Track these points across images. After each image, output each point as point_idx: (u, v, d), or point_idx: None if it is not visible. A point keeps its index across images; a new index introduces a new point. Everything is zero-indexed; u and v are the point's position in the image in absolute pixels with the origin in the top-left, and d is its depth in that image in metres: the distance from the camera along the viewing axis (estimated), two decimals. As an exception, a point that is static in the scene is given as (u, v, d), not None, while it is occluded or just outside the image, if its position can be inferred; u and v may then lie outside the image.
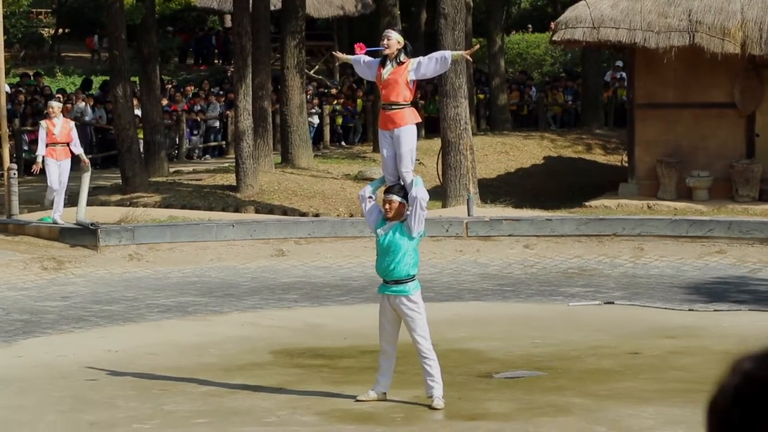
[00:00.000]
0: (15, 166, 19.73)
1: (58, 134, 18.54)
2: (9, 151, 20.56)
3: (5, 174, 19.49)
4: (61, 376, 11.51)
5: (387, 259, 10.12)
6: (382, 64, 10.55)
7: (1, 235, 18.38)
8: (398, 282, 10.11)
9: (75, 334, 13.44)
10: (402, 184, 10.31)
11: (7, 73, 25.97)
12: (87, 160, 18.77)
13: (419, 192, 10.07)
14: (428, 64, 10.49)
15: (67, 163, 18.61)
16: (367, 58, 10.71)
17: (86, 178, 18.48)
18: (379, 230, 10.20)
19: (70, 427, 9.85)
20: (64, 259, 17.14)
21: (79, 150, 18.65)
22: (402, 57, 10.47)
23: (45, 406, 10.45)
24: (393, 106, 10.43)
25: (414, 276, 10.16)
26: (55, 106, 18.90)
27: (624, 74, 36.39)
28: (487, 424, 9.67)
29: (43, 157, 18.58)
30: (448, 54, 10.58)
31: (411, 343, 10.19)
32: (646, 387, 10.73)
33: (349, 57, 10.92)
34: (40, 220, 18.95)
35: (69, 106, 30.47)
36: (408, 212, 10.14)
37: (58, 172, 18.53)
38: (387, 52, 10.49)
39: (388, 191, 10.25)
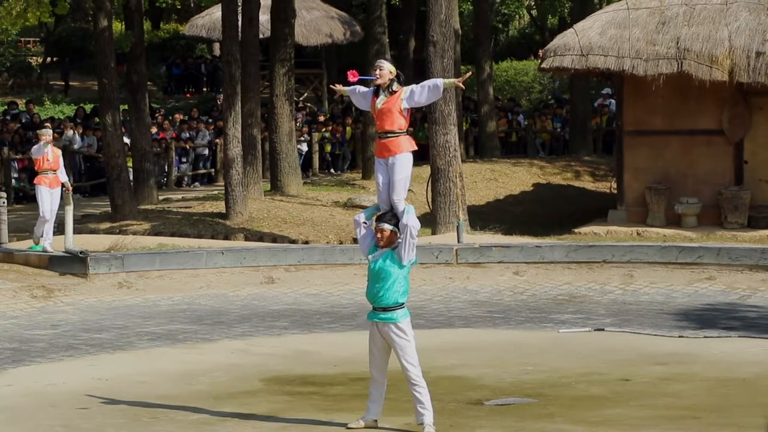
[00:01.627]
0: (4, 194, 19.71)
1: (52, 161, 18.60)
2: (-1, 178, 20.56)
3: (-6, 202, 19.46)
4: (51, 405, 11.46)
5: (377, 285, 10.15)
6: (375, 94, 10.60)
7: (-10, 263, 18.34)
8: (386, 309, 10.13)
9: (64, 363, 13.40)
10: (394, 212, 10.33)
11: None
12: (70, 188, 18.85)
13: (410, 220, 10.11)
14: (421, 93, 10.53)
15: (58, 191, 18.66)
16: (363, 89, 10.75)
17: (70, 206, 18.50)
18: (370, 256, 10.23)
19: (59, 455, 9.82)
20: (53, 287, 17.10)
21: (65, 177, 18.73)
22: (394, 86, 10.52)
23: (34, 435, 10.41)
24: (388, 135, 10.48)
25: (403, 304, 10.18)
26: (48, 133, 18.95)
27: (611, 101, 36.51)
28: (479, 452, 9.66)
29: (35, 185, 18.66)
30: (440, 82, 10.62)
31: (401, 370, 10.18)
32: (637, 414, 10.72)
33: (346, 89, 10.95)
34: (30, 248, 18.93)
35: (57, 135, 30.47)
36: (399, 240, 10.16)
37: (50, 201, 18.57)
38: (379, 81, 10.53)
39: (380, 219, 10.29)
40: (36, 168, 19.14)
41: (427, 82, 10.61)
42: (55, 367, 13.17)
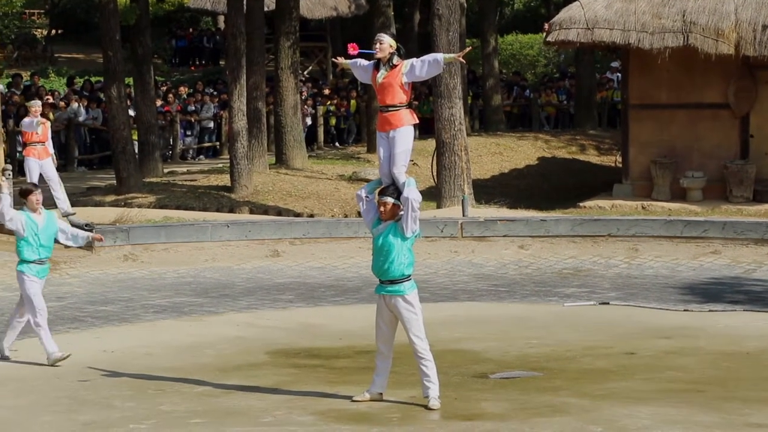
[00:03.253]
0: (10, 166, 19.69)
1: (41, 134, 18.62)
2: (4, 151, 20.56)
3: (0, 174, 19.46)
4: (57, 377, 11.51)
5: (381, 258, 10.18)
6: (376, 68, 10.58)
7: (-5, 235, 18.36)
8: (393, 282, 10.16)
9: (70, 335, 13.44)
10: (396, 185, 10.34)
11: (0, 74, 26.01)
12: (55, 161, 18.89)
13: (411, 193, 10.12)
14: (421, 67, 10.50)
15: (48, 162, 18.66)
16: (364, 62, 10.72)
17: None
18: (373, 230, 10.26)
19: (65, 427, 9.85)
20: (59, 260, 17.12)
21: (52, 150, 18.77)
22: (395, 60, 10.49)
23: (40, 407, 10.45)
24: (389, 108, 10.47)
25: (409, 276, 10.21)
26: (38, 105, 19.03)
27: (617, 75, 36.43)
28: (483, 425, 9.68)
29: (25, 157, 18.75)
30: (440, 56, 10.59)
31: (407, 343, 10.21)
32: (642, 387, 10.74)
33: (347, 62, 10.92)
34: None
35: (63, 104, 30.47)
36: (401, 213, 10.18)
37: (38, 172, 18.60)
38: (379, 55, 10.51)
39: (382, 192, 10.31)
40: (24, 140, 19.22)
41: (427, 57, 10.58)
42: (61, 339, 13.16)
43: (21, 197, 12.39)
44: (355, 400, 10.28)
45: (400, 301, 10.15)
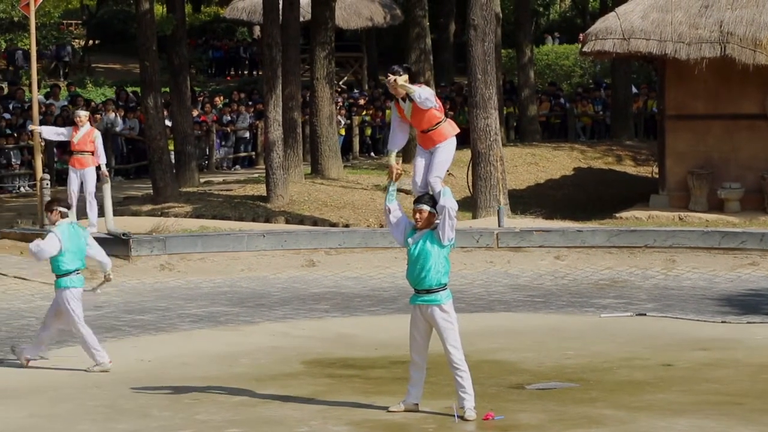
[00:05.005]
0: (47, 176, 19.84)
1: (78, 143, 18.70)
2: (41, 161, 20.67)
3: (38, 184, 19.60)
4: (95, 386, 11.56)
5: (417, 267, 10.16)
6: (398, 102, 10.60)
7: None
8: (430, 291, 10.15)
9: (108, 344, 13.46)
10: (431, 194, 10.33)
11: (38, 85, 26.11)
12: (106, 172, 18.91)
13: (448, 201, 10.11)
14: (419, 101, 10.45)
15: (88, 171, 18.71)
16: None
17: (108, 188, 18.60)
18: (409, 239, 10.24)
19: (103, 436, 9.91)
20: (96, 269, 17.14)
21: (101, 160, 18.77)
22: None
23: (78, 415, 10.50)
24: (428, 130, 10.51)
25: (445, 285, 10.20)
26: (82, 114, 19.09)
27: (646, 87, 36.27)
28: (520, 436, 9.67)
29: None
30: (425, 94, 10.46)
31: (442, 353, 10.19)
32: (679, 399, 10.69)
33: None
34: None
35: (99, 116, 30.62)
36: (437, 221, 10.17)
37: (77, 182, 18.68)
38: (394, 93, 10.54)
39: (417, 201, 10.31)
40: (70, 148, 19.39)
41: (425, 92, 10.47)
42: (99, 348, 13.25)
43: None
44: (391, 411, 10.27)
45: (436, 310, 10.13)
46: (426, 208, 10.20)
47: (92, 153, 18.72)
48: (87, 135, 18.77)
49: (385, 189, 10.58)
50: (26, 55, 43.09)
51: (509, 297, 16.38)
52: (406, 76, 10.51)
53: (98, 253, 12.63)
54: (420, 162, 10.60)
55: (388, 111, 35.67)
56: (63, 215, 12.37)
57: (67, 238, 12.22)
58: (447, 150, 10.51)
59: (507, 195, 22.62)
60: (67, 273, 12.29)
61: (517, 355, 12.65)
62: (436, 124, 10.51)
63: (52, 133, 19.73)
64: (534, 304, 15.84)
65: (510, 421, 10.04)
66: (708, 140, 24.33)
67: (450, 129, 10.58)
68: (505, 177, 22.67)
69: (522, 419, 10.10)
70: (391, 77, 10.44)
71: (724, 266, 17.61)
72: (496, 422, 9.98)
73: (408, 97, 10.48)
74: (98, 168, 18.78)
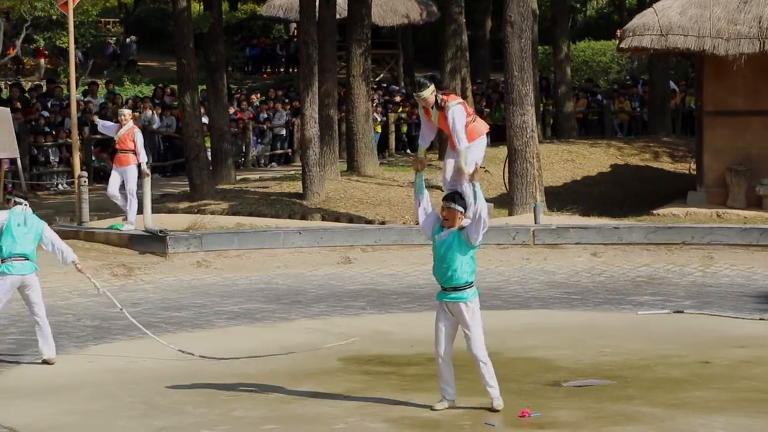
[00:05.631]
0: (85, 173, 19.94)
1: (119, 141, 18.77)
2: (80, 159, 20.79)
3: (76, 182, 19.71)
4: (131, 382, 11.61)
5: (445, 266, 10.19)
6: (427, 110, 10.63)
7: (72, 241, 18.54)
8: (456, 289, 10.18)
9: (145, 340, 13.54)
10: (460, 192, 10.30)
11: (76, 83, 26.22)
12: (147, 170, 18.93)
13: (482, 210, 10.07)
14: (452, 124, 10.45)
15: (129, 169, 18.75)
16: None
17: (148, 186, 18.65)
18: (436, 237, 10.24)
19: (139, 431, 9.94)
20: (133, 266, 17.29)
21: (142, 159, 18.80)
22: (438, 99, 10.51)
23: (115, 412, 10.55)
24: None
25: (472, 283, 10.21)
26: (126, 113, 19.14)
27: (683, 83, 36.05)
28: (557, 433, 9.64)
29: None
30: (461, 148, 10.43)
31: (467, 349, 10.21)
32: (717, 397, 10.63)
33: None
34: (111, 227, 19.13)
35: (136, 114, 30.73)
36: (466, 222, 10.16)
37: (117, 180, 18.75)
38: (423, 104, 10.56)
39: (447, 199, 10.30)
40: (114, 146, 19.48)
41: (457, 124, 10.44)
42: (136, 345, 13.33)
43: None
44: (435, 409, 10.27)
45: (462, 307, 10.18)
46: (456, 207, 10.21)
47: (133, 152, 18.76)
48: (128, 133, 18.82)
49: (414, 182, 10.62)
50: (85, 52, 43.56)
51: (546, 294, 16.33)
52: (432, 87, 10.54)
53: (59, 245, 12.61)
54: (450, 160, 10.60)
55: (424, 108, 35.63)
56: (17, 203, 12.45)
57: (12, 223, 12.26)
58: (478, 148, 10.53)
59: (543, 192, 22.54)
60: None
61: (554, 353, 12.61)
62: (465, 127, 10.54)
63: (104, 126, 19.79)
64: (570, 302, 15.78)
65: (546, 418, 10.02)
66: (746, 137, 24.16)
67: (479, 127, 10.59)
68: (541, 174, 22.59)
69: (559, 416, 10.07)
70: (423, 95, 10.43)
71: (762, 263, 17.48)
72: (532, 419, 9.96)
73: (436, 105, 10.49)
74: (139, 166, 18.82)
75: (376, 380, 11.55)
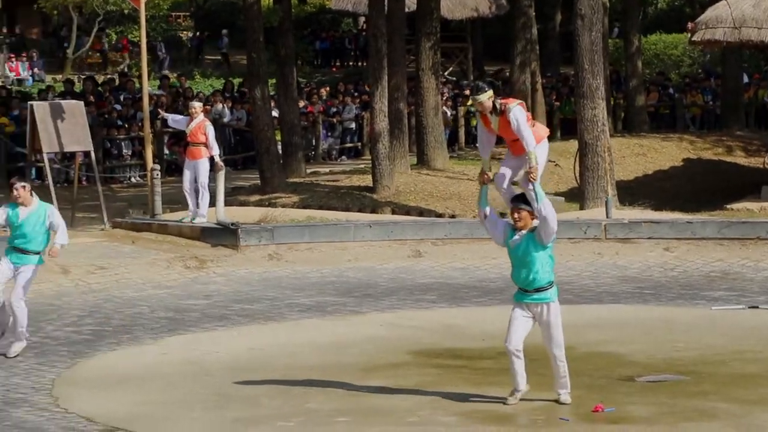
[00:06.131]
0: (158, 166, 20.11)
1: (190, 134, 18.82)
2: (152, 151, 20.96)
3: (149, 174, 19.89)
4: (205, 373, 11.70)
5: (525, 270, 10.17)
6: (485, 117, 10.51)
7: (145, 234, 18.76)
8: (539, 290, 10.15)
9: (218, 332, 13.66)
10: (526, 196, 10.23)
11: (148, 76, 26.46)
12: (221, 163, 18.97)
13: (545, 208, 10.01)
14: (516, 128, 10.32)
15: (200, 163, 18.80)
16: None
17: (221, 179, 18.74)
18: (510, 242, 10.22)
19: (214, 423, 10.02)
20: (206, 258, 17.41)
21: (214, 152, 18.83)
22: (497, 104, 10.38)
23: (190, 403, 10.64)
24: (517, 139, 10.41)
25: (553, 281, 10.18)
26: (196, 106, 19.19)
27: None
28: (630, 428, 9.59)
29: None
30: (530, 149, 10.31)
31: (543, 344, 10.20)
32: (794, 393, 10.51)
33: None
34: (182, 219, 19.27)
35: (208, 107, 30.94)
36: (536, 221, 10.12)
37: (188, 174, 18.82)
38: (481, 109, 10.45)
39: (515, 201, 10.27)
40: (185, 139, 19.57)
41: (524, 131, 10.32)
42: (209, 337, 13.44)
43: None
44: (508, 403, 10.25)
45: (544, 307, 10.17)
46: (525, 207, 10.19)
47: (204, 144, 18.80)
48: (199, 126, 18.84)
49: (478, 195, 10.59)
50: (168, 44, 44.10)
51: (618, 289, 16.22)
52: (490, 92, 10.45)
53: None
54: (506, 167, 10.52)
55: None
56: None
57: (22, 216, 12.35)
58: (542, 151, 10.44)
59: (615, 186, 22.39)
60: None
61: (627, 347, 12.53)
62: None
63: (174, 120, 19.86)
64: (643, 296, 15.66)
65: (620, 413, 9.96)
66: (822, 130, 23.84)
67: (540, 131, 10.50)
68: (612, 168, 22.45)
69: (632, 412, 10.02)
70: (480, 99, 10.35)
71: (838, 258, 17.25)
72: (605, 414, 9.91)
73: (495, 110, 10.40)
74: (212, 159, 18.90)
75: (447, 374, 11.55)
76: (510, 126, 10.36)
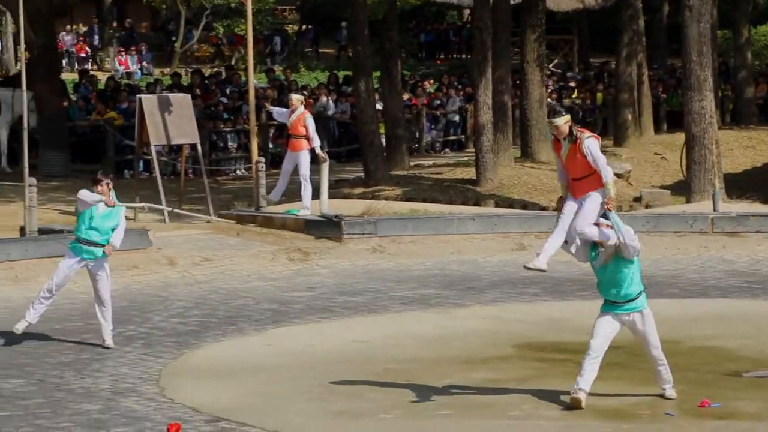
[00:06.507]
0: (263, 159, 20.27)
1: (291, 126, 18.94)
2: (257, 144, 21.13)
3: (254, 167, 20.05)
4: (309, 366, 11.77)
5: (615, 287, 10.16)
6: (558, 143, 10.40)
7: (249, 226, 18.92)
8: (630, 300, 10.12)
9: (321, 324, 13.73)
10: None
11: (254, 69, 26.68)
12: (323, 154, 19.02)
13: (626, 236, 9.95)
14: (593, 159, 10.18)
15: (301, 155, 18.86)
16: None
17: (325, 171, 18.82)
18: (595, 263, 10.23)
19: (317, 415, 10.08)
20: (309, 251, 17.51)
21: (315, 143, 18.89)
22: (575, 132, 10.28)
23: (293, 395, 10.72)
24: (580, 178, 10.28)
25: (642, 290, 10.18)
26: (294, 98, 19.33)
27: None
28: (738, 424, 9.46)
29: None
30: (608, 178, 10.19)
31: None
32: None
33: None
34: (287, 211, 19.41)
35: (310, 100, 31.12)
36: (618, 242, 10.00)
37: (290, 165, 18.93)
38: (556, 134, 10.35)
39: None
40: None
41: (600, 162, 10.19)
42: (313, 329, 13.52)
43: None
44: (574, 397, 10.15)
45: (637, 316, 10.16)
46: (604, 221, 10.13)
47: (305, 137, 18.88)
48: (299, 119, 18.93)
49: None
50: (284, 40, 44.58)
51: (725, 283, 15.99)
52: (567, 116, 10.37)
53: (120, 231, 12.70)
54: (570, 207, 10.29)
55: (599, 94, 35.25)
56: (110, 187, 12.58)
57: (101, 212, 12.42)
58: (595, 199, 10.23)
59: (722, 179, 22.09)
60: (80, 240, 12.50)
61: (735, 342, 12.34)
62: (588, 174, 10.27)
63: (278, 113, 20.01)
64: (752, 291, 15.42)
65: (727, 408, 9.83)
66: None
67: (597, 183, 10.27)
68: (720, 160, 22.15)
69: (740, 407, 9.88)
70: (557, 122, 10.27)
71: None
72: (712, 410, 9.79)
73: (570, 136, 10.26)
74: (313, 151, 18.96)
75: (551, 367, 11.49)
76: (577, 156, 10.21)
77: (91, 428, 9.76)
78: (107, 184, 12.57)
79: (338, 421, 9.90)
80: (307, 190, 18.99)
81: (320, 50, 47.08)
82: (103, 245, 12.51)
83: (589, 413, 9.83)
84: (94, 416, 10.11)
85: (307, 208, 18.98)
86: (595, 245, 10.18)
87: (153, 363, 11.97)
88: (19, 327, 12.51)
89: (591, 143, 10.25)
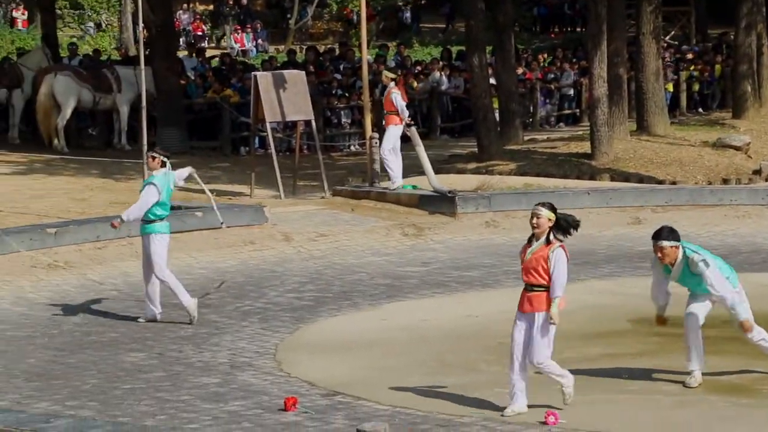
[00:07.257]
0: (376, 135, 20.34)
1: (383, 102, 19.18)
2: (371, 120, 21.22)
3: (367, 143, 20.13)
4: (423, 340, 11.82)
5: (701, 297, 10.35)
6: (529, 242, 9.92)
7: (364, 201, 19.01)
8: None
9: (435, 299, 13.76)
10: (670, 227, 10.19)
11: (368, 45, 26.72)
12: (408, 120, 19.07)
13: (728, 295, 10.09)
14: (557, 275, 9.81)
15: (389, 129, 19.11)
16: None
17: (420, 146, 18.92)
18: (669, 276, 10.39)
19: (433, 389, 10.11)
20: (423, 226, 17.54)
21: (404, 116, 19.06)
22: (551, 237, 9.82)
23: (408, 368, 10.77)
24: (534, 288, 9.75)
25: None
26: (384, 75, 19.63)
27: None
28: None
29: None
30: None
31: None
32: None
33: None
34: (402, 186, 19.45)
35: (400, 77, 31.05)
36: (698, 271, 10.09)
37: (388, 138, 19.09)
38: (535, 231, 9.84)
39: (656, 236, 10.21)
40: None
41: (560, 273, 9.82)
42: (427, 303, 13.56)
43: None
44: (689, 386, 10.02)
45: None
46: (667, 244, 10.15)
47: (395, 113, 19.11)
48: (387, 95, 19.31)
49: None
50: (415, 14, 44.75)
51: None
52: (552, 215, 9.94)
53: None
54: (516, 333, 9.71)
55: (717, 66, 34.66)
56: (163, 164, 12.67)
57: (162, 187, 12.53)
58: (546, 329, 9.82)
59: None
60: (153, 220, 12.62)
61: None
62: (542, 287, 9.84)
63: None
64: None
65: None
66: None
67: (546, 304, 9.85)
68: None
69: None
70: (543, 214, 9.99)
71: None
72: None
73: (545, 238, 9.84)
74: (406, 126, 19.21)
75: (668, 342, 11.37)
76: (539, 263, 9.77)
77: (210, 401, 9.92)
78: (153, 158, 12.83)
79: (454, 395, 9.90)
80: (393, 164, 19.10)
81: (421, 25, 46.96)
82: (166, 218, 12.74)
83: (709, 388, 9.75)
84: (213, 389, 10.27)
85: (394, 180, 19.07)
86: (665, 267, 10.25)
87: (269, 337, 12.12)
88: (194, 309, 12.70)
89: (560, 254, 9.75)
